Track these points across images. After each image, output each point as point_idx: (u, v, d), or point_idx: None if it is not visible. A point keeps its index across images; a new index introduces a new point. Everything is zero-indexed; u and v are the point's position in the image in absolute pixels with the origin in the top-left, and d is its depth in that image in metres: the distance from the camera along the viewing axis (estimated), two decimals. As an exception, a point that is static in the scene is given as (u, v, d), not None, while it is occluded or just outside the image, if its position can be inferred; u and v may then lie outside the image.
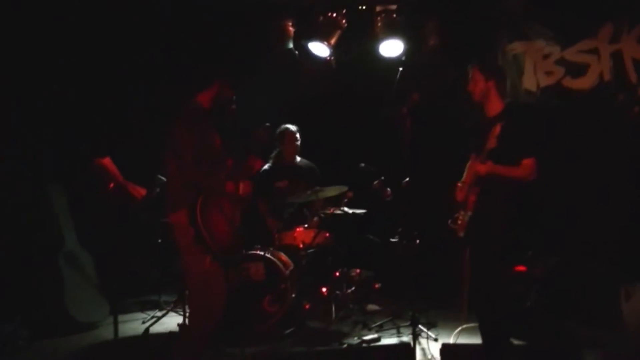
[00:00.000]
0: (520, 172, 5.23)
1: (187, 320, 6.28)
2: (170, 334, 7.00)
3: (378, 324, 7.16)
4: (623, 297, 6.42)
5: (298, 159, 7.94)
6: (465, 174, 5.68)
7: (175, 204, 5.13)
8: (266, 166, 7.79)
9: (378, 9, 7.71)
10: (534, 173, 5.22)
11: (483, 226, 5.33)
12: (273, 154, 7.89)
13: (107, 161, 6.51)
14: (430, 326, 6.94)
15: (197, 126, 5.10)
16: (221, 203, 5.05)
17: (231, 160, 5.22)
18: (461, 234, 5.52)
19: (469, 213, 5.43)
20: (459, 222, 5.52)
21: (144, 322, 7.40)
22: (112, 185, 6.52)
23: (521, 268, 6.56)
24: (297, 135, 7.77)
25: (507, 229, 5.30)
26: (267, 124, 5.40)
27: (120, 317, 6.43)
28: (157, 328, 7.24)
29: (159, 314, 7.62)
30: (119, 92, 8.31)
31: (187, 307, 7.06)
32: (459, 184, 5.62)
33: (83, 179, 7.51)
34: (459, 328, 6.71)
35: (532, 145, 5.25)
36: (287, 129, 7.73)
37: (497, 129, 5.11)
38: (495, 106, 5.45)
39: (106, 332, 7.09)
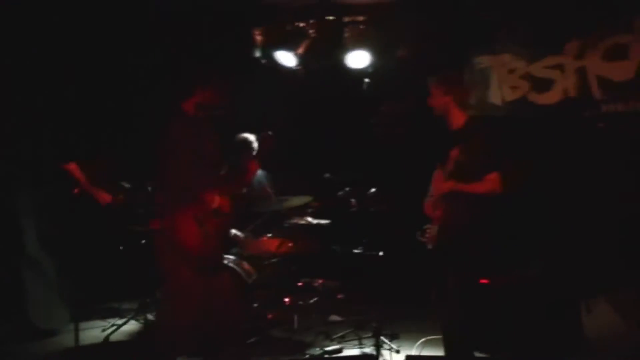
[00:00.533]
0: (483, 187, 5.24)
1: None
2: (130, 342, 6.95)
3: (340, 334, 7.15)
4: (584, 311, 6.47)
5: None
6: (432, 187, 5.68)
7: (164, 211, 5.13)
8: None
9: (346, 19, 7.72)
10: (498, 187, 5.24)
11: (451, 239, 5.35)
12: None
13: (72, 167, 6.46)
14: (392, 337, 6.94)
15: (184, 133, 5.10)
16: (196, 212, 5.02)
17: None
18: (430, 246, 5.55)
19: (439, 224, 5.44)
20: (427, 234, 5.55)
21: (104, 330, 7.33)
22: (77, 190, 6.47)
23: (485, 281, 6.57)
24: (254, 145, 7.70)
25: (474, 242, 5.32)
26: (270, 132, 5.36)
27: (81, 325, 6.35)
28: (117, 336, 7.19)
29: (119, 321, 7.55)
30: (90, 96, 8.27)
31: (148, 315, 7.07)
32: (428, 198, 5.64)
33: (48, 183, 7.46)
34: (422, 340, 6.73)
35: (495, 160, 5.26)
36: (247, 138, 7.65)
37: (454, 153, 5.13)
38: (457, 119, 5.47)
39: (66, 340, 7.01)
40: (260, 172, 7.85)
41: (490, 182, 5.23)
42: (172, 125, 5.17)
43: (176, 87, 5.51)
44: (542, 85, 7.55)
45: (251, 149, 7.56)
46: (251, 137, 7.62)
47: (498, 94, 7.89)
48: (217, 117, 5.29)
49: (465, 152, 5.15)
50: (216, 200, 4.99)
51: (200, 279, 5.07)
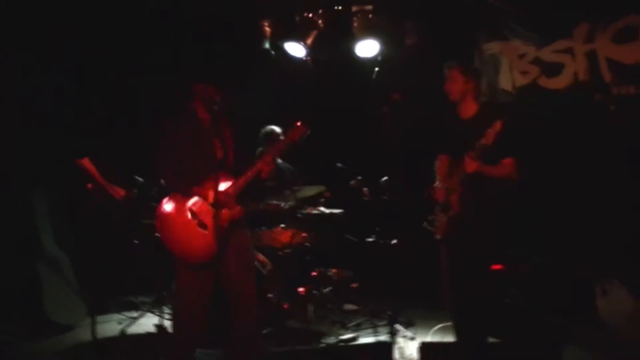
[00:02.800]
0: (502, 171, 5.25)
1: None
2: (148, 334, 6.98)
3: (356, 323, 7.19)
4: (599, 295, 6.48)
5: (279, 161, 7.90)
6: (438, 175, 5.67)
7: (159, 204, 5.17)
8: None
9: (354, 9, 7.71)
10: (515, 173, 5.24)
11: (469, 226, 5.33)
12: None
13: (85, 161, 6.48)
14: (407, 325, 6.98)
15: (177, 129, 5.12)
16: (194, 209, 5.02)
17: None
18: (438, 236, 5.54)
19: (451, 213, 5.43)
20: (437, 223, 5.54)
21: (120, 324, 7.38)
22: (90, 185, 6.49)
23: (498, 267, 6.58)
24: (282, 137, 7.68)
25: (494, 228, 5.33)
26: (300, 122, 5.28)
27: (98, 319, 6.39)
28: (135, 329, 7.23)
29: (135, 315, 7.60)
30: (99, 93, 8.32)
31: (164, 308, 7.10)
32: (435, 185, 5.63)
33: (62, 179, 7.51)
34: (437, 327, 6.75)
35: (513, 145, 5.27)
36: (273, 130, 7.65)
37: (492, 132, 5.03)
38: (470, 107, 5.47)
39: (84, 334, 7.05)
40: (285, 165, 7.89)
41: (508, 168, 5.23)
42: (168, 121, 5.19)
43: (178, 83, 5.52)
44: (552, 69, 7.52)
45: (278, 141, 7.57)
46: (277, 129, 7.63)
47: (509, 80, 7.87)
48: (223, 112, 5.26)
49: (499, 136, 5.09)
50: (211, 195, 4.95)
51: (201, 272, 5.07)
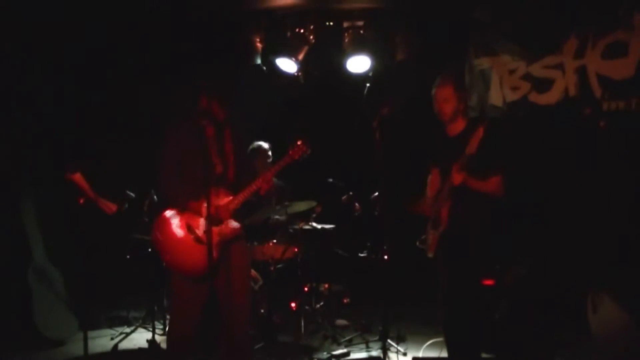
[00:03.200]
0: (488, 187, 5.27)
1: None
2: (139, 350, 6.98)
3: (347, 338, 7.20)
4: (590, 309, 6.49)
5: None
6: (428, 189, 5.70)
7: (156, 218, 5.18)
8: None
9: (345, 24, 7.74)
10: (501, 190, 5.26)
11: (459, 241, 5.34)
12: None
13: (77, 177, 6.48)
14: (399, 340, 6.98)
15: (174, 140, 5.14)
16: (191, 223, 5.03)
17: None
18: (430, 254, 5.56)
19: (441, 229, 5.43)
20: (429, 241, 5.56)
21: (112, 339, 7.37)
22: (82, 200, 6.49)
23: (489, 282, 6.60)
24: (269, 152, 7.69)
25: (485, 242, 5.35)
26: (301, 141, 5.29)
27: (89, 334, 6.38)
28: (126, 344, 7.22)
29: (127, 330, 7.59)
30: (92, 104, 8.32)
31: (156, 323, 7.10)
32: (425, 199, 5.65)
33: (52, 192, 7.50)
34: (428, 342, 6.76)
35: (501, 162, 5.29)
36: (260, 146, 7.63)
37: (475, 140, 5.07)
38: (458, 125, 5.50)
39: (75, 348, 7.06)
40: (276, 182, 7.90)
41: (494, 185, 5.25)
42: (171, 128, 5.20)
43: (178, 94, 5.52)
44: (543, 85, 7.53)
45: (265, 156, 7.58)
46: (265, 144, 7.63)
47: (499, 95, 7.88)
48: (225, 126, 5.26)
49: (480, 150, 5.11)
50: (204, 209, 4.95)
51: (195, 284, 5.07)
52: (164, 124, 5.26)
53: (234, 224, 5.14)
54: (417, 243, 5.64)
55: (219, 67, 7.04)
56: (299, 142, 5.20)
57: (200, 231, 5.00)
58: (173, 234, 5.03)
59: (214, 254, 4.85)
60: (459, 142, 5.30)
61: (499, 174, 5.25)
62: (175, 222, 5.05)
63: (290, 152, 5.22)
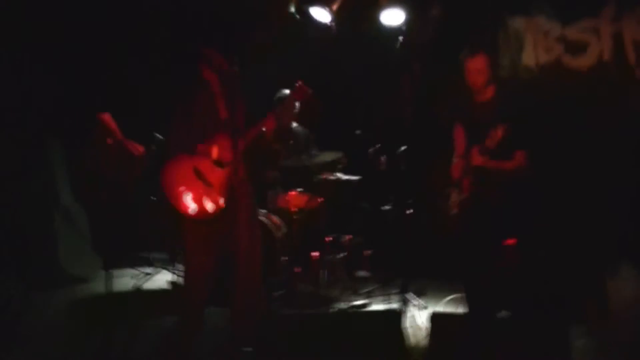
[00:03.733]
0: (512, 165, 5.28)
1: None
2: (161, 290, 7.05)
3: (367, 290, 7.23)
4: (608, 277, 6.48)
5: (294, 124, 7.90)
6: (456, 146, 5.70)
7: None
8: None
9: (381, -24, 7.67)
10: (526, 166, 5.27)
11: (478, 210, 5.38)
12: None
13: (107, 117, 6.50)
14: (419, 294, 7.01)
15: (185, 92, 5.15)
16: (199, 168, 5.03)
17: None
18: (454, 212, 5.57)
19: (462, 196, 5.48)
20: (452, 199, 5.57)
21: (134, 279, 7.44)
22: (110, 141, 6.51)
23: (511, 241, 6.59)
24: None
25: (508, 206, 5.36)
26: (300, 83, 5.30)
27: (112, 273, 6.46)
28: (148, 285, 7.30)
29: (149, 271, 7.66)
30: (120, 50, 8.34)
31: (177, 265, 7.16)
32: (454, 159, 5.65)
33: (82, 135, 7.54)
34: (448, 297, 6.79)
35: (525, 138, 5.28)
36: (287, 94, 7.62)
37: (499, 133, 5.06)
38: (488, 92, 5.51)
39: (97, 287, 7.13)
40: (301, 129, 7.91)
41: (519, 161, 5.27)
42: (182, 90, 5.22)
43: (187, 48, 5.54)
44: (577, 48, 7.45)
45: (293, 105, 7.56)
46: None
47: (532, 56, 7.81)
48: (234, 76, 5.25)
49: (492, 140, 5.13)
50: (215, 152, 4.95)
51: (208, 227, 5.08)
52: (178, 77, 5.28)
53: (240, 166, 5.14)
54: (439, 199, 5.65)
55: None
56: (298, 84, 5.21)
57: (208, 174, 5.00)
58: (181, 178, 5.03)
59: (222, 196, 4.88)
60: (486, 109, 5.32)
61: (523, 149, 5.28)
62: (182, 166, 5.05)
63: (292, 94, 5.22)
